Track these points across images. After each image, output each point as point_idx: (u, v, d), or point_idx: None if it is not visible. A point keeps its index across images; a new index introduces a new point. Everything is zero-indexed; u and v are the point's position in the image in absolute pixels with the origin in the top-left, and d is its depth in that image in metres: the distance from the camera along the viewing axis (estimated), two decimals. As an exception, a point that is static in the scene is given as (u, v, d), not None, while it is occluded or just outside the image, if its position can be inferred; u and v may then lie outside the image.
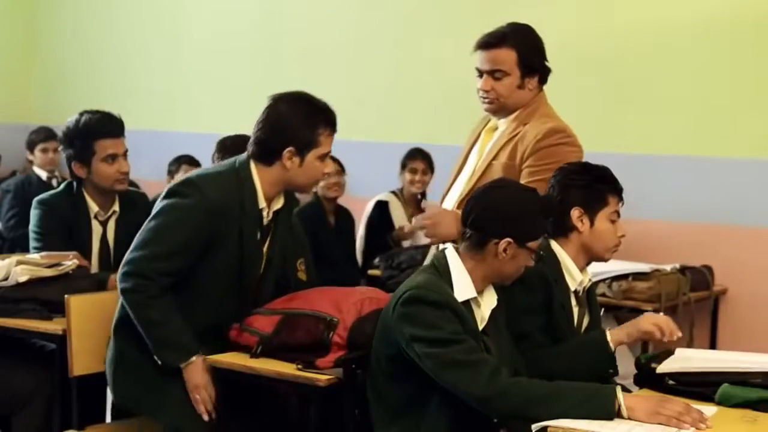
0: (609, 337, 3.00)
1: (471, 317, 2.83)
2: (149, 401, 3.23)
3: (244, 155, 3.22)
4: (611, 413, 2.57)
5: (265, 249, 3.26)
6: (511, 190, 2.95)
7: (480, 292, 2.88)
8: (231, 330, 3.21)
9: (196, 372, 3.14)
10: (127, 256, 3.17)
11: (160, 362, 3.15)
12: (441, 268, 2.87)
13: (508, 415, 2.71)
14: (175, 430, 3.22)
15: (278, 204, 3.27)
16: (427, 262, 3.62)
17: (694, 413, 2.55)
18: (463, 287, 2.83)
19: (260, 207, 3.19)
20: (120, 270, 3.17)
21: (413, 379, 2.79)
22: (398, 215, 6.24)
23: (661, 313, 3.13)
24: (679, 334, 2.99)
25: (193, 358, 3.14)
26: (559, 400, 2.61)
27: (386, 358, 2.84)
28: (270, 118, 3.17)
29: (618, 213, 3.09)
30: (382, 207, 6.24)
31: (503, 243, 2.81)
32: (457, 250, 2.91)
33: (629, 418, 2.56)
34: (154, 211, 3.19)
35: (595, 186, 3.07)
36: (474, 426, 2.82)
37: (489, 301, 2.91)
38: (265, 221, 3.23)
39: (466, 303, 2.83)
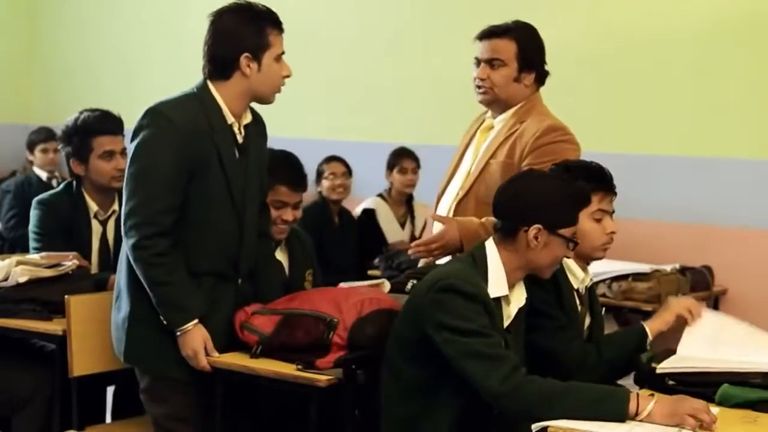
0: (648, 328, 3.06)
1: (499, 314, 2.82)
2: (156, 358, 3.19)
3: (199, 80, 3.22)
4: (623, 416, 2.55)
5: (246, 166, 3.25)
6: (540, 177, 2.95)
7: (511, 286, 2.86)
8: (240, 312, 3.20)
9: (191, 338, 3.12)
10: (124, 209, 3.14)
11: (165, 322, 3.13)
12: (479, 261, 2.85)
13: (519, 412, 2.68)
14: (167, 430, 3.22)
15: (246, 119, 3.26)
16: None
17: (712, 414, 2.54)
18: (496, 283, 2.82)
19: (229, 122, 3.18)
20: (123, 226, 3.14)
21: (432, 364, 2.78)
22: (386, 220, 6.21)
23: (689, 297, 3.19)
24: (706, 311, 3.11)
25: (188, 326, 3.11)
26: (571, 399, 2.60)
27: (410, 341, 2.82)
28: (217, 32, 3.18)
29: (604, 210, 3.05)
30: (368, 215, 6.22)
31: (533, 230, 2.80)
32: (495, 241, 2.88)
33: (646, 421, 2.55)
34: (129, 154, 3.17)
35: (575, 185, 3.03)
36: (477, 420, 2.82)
37: (518, 299, 2.90)
38: (240, 139, 3.22)
39: (496, 300, 2.82)
